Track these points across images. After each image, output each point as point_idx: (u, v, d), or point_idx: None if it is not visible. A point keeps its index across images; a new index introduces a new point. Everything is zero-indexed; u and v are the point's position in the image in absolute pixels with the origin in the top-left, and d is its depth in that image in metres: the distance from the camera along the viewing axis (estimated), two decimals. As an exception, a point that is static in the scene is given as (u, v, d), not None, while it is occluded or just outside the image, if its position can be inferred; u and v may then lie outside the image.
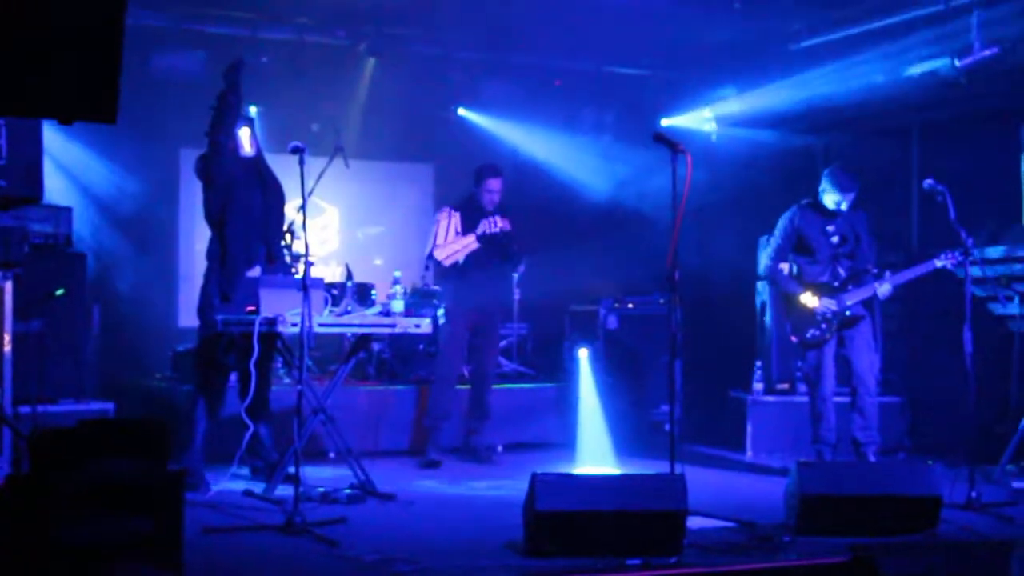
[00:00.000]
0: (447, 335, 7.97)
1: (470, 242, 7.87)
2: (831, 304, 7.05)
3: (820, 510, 5.40)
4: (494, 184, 7.93)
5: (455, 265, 7.90)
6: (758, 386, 8.57)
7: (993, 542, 5.40)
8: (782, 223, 7.35)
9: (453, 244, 7.87)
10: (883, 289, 7.04)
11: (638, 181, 10.27)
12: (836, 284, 7.14)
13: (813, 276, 7.21)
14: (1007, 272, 8.02)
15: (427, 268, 8.59)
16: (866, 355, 7.16)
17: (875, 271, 7.17)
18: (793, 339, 7.25)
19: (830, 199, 7.15)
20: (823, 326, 7.09)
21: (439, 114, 10.84)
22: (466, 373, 8.25)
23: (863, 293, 7.09)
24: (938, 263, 6.83)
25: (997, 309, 7.92)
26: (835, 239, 7.19)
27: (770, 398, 8.53)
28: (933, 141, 8.85)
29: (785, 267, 7.30)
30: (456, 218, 7.93)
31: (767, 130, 10.24)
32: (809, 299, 7.09)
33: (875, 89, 8.95)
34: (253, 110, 9.47)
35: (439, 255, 7.89)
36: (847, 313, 7.09)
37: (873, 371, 7.19)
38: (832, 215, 7.19)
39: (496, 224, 7.89)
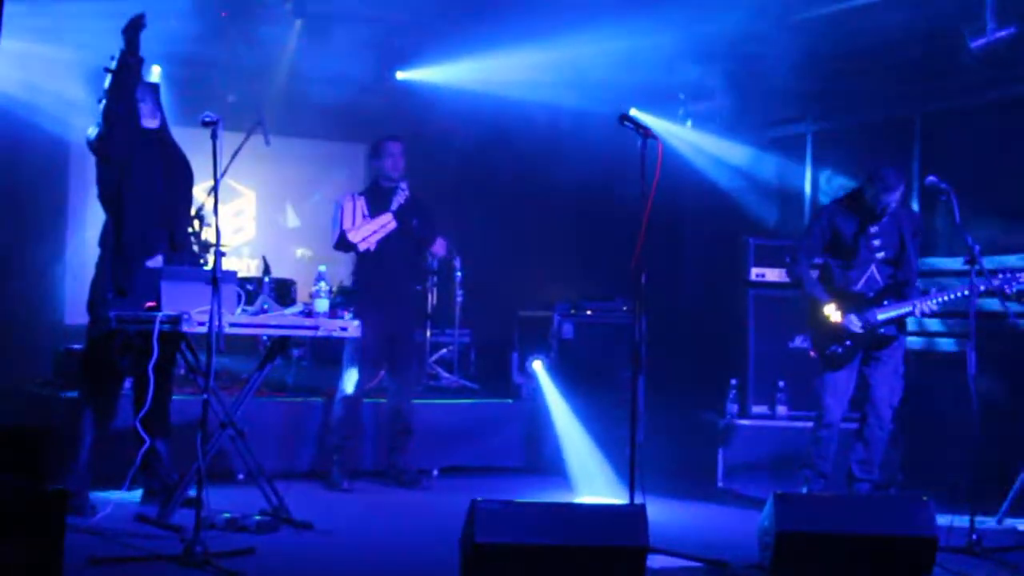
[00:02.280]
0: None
1: (387, 220, 7.91)
2: (857, 322, 7.02)
3: (798, 549, 5.42)
4: (395, 147, 8.06)
5: (367, 254, 7.91)
6: (732, 408, 8.63)
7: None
8: (815, 219, 7.36)
9: (368, 225, 7.90)
10: (925, 308, 6.97)
11: (602, 170, 10.30)
12: (871, 295, 7.12)
13: (846, 283, 7.17)
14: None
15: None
16: (889, 381, 7.14)
17: (919, 286, 7.15)
18: (811, 354, 7.26)
19: (871, 197, 7.06)
20: (847, 343, 7.06)
21: (375, 86, 10.82)
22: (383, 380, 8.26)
23: (900, 310, 7.03)
24: (983, 286, 6.62)
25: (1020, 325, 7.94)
26: (876, 242, 7.14)
27: (746, 421, 8.57)
28: (938, 133, 8.95)
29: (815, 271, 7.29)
30: (361, 202, 8.00)
31: (750, 117, 10.32)
32: (833, 311, 7.04)
33: (875, 65, 9.05)
34: (157, 72, 9.39)
35: (354, 237, 7.88)
36: (880, 330, 7.06)
37: (892, 400, 7.17)
38: (876, 215, 7.12)
39: (406, 191, 7.97)
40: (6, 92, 9.11)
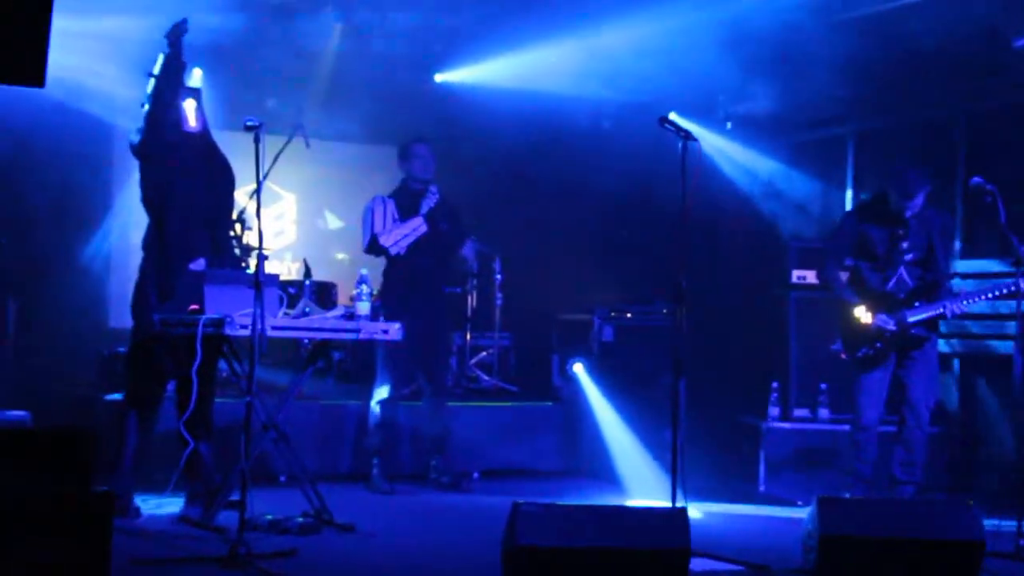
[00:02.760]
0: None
1: (418, 224, 7.93)
2: (889, 322, 7.03)
3: (842, 554, 5.40)
4: (423, 149, 8.08)
5: (397, 257, 7.92)
6: (774, 411, 8.59)
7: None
8: (841, 223, 7.37)
9: (399, 229, 7.92)
10: (955, 309, 6.94)
11: (641, 172, 10.27)
12: (902, 296, 7.10)
13: (875, 284, 7.17)
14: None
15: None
16: (924, 382, 7.13)
17: (950, 287, 7.11)
18: (843, 356, 7.26)
19: (896, 199, 7.07)
20: (878, 344, 7.07)
21: (415, 90, 10.82)
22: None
23: (931, 311, 7.01)
24: None
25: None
26: (904, 244, 7.13)
27: (787, 425, 8.54)
28: (982, 133, 8.88)
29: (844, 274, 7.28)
30: (391, 205, 8.00)
31: (790, 118, 10.27)
32: (863, 313, 7.05)
33: (917, 65, 8.97)
34: (198, 75, 9.42)
35: (387, 241, 7.91)
36: (911, 331, 7.04)
37: (928, 401, 7.15)
38: (902, 216, 7.11)
39: (435, 194, 7.99)
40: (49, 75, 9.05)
